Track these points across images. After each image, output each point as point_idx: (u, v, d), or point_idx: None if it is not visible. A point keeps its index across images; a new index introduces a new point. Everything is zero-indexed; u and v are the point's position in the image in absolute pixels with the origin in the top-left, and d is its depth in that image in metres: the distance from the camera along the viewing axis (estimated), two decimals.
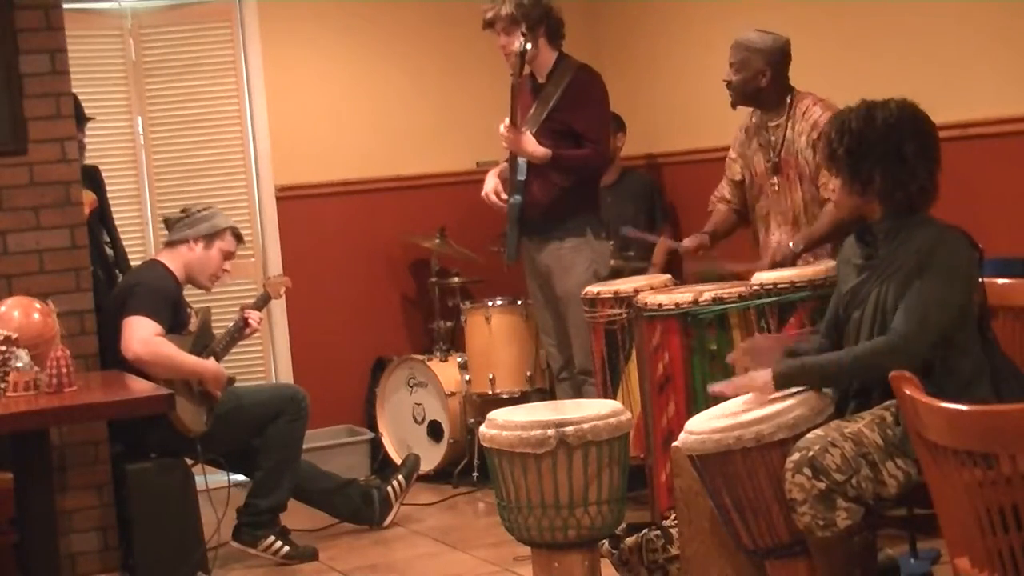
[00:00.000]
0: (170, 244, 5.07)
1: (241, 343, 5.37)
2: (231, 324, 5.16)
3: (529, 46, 5.11)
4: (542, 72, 5.38)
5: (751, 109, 4.90)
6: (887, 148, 3.44)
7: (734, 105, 4.88)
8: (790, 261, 4.59)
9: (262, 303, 5.38)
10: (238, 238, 5.17)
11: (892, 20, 5.02)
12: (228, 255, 5.12)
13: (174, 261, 5.02)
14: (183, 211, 5.13)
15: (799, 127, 4.72)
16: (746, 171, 4.94)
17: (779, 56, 4.78)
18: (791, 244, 4.63)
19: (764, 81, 4.76)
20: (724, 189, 5.06)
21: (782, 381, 3.48)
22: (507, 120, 5.23)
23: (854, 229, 3.64)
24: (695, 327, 4.31)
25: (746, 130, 4.94)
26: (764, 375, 3.51)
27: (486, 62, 5.79)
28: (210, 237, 5.05)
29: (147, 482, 4.71)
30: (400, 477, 5.51)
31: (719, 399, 3.74)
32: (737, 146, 4.99)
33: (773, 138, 4.80)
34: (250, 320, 5.16)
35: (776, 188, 4.80)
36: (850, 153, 3.47)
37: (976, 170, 4.68)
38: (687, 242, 5.04)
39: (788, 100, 4.77)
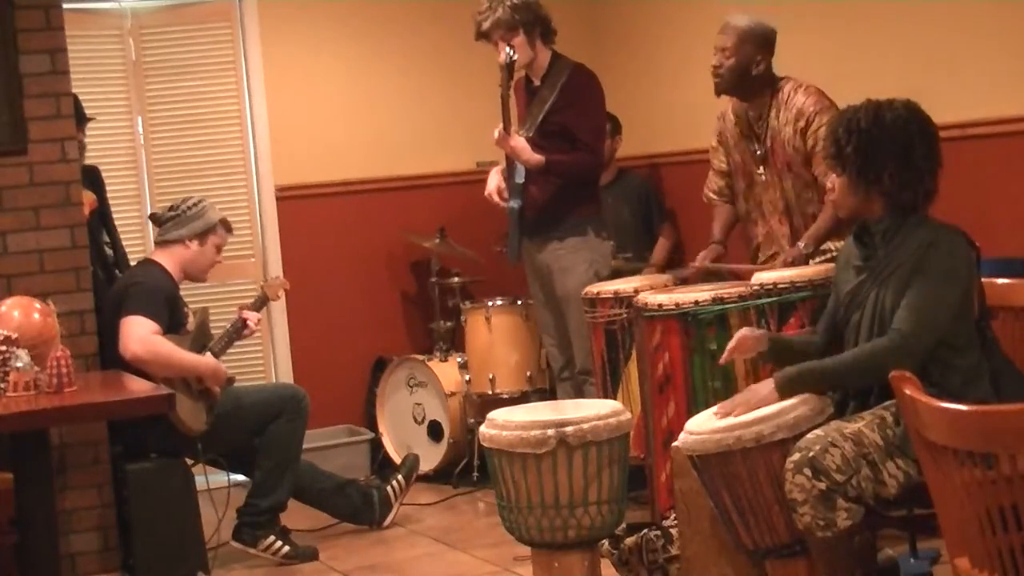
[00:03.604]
0: (163, 244, 5.06)
1: (241, 343, 5.37)
2: (229, 325, 5.16)
3: (516, 57, 5.10)
4: (538, 74, 5.35)
5: (728, 99, 4.80)
6: (896, 149, 3.44)
7: (719, 93, 4.74)
8: (802, 262, 4.53)
9: (260, 305, 5.37)
10: (228, 228, 5.18)
11: (891, 20, 5.02)
12: (221, 248, 5.14)
13: (170, 260, 5.01)
14: (171, 208, 5.11)
15: (783, 116, 4.64)
16: (729, 158, 4.89)
17: (771, 43, 4.67)
18: (801, 245, 4.56)
19: (757, 69, 4.65)
20: (713, 181, 5.00)
21: (785, 388, 3.47)
22: (500, 128, 5.19)
23: (856, 223, 3.63)
24: (695, 327, 4.31)
25: (724, 118, 4.87)
26: (767, 386, 3.50)
27: (486, 62, 5.76)
28: (203, 234, 5.05)
29: (147, 482, 4.70)
30: (400, 477, 5.50)
31: (719, 399, 3.74)
32: (716, 135, 4.93)
33: (757, 129, 4.73)
34: (248, 321, 5.16)
35: (764, 179, 4.75)
36: (859, 152, 3.46)
37: (976, 170, 4.68)
38: (703, 257, 4.86)
39: (771, 90, 4.68)
